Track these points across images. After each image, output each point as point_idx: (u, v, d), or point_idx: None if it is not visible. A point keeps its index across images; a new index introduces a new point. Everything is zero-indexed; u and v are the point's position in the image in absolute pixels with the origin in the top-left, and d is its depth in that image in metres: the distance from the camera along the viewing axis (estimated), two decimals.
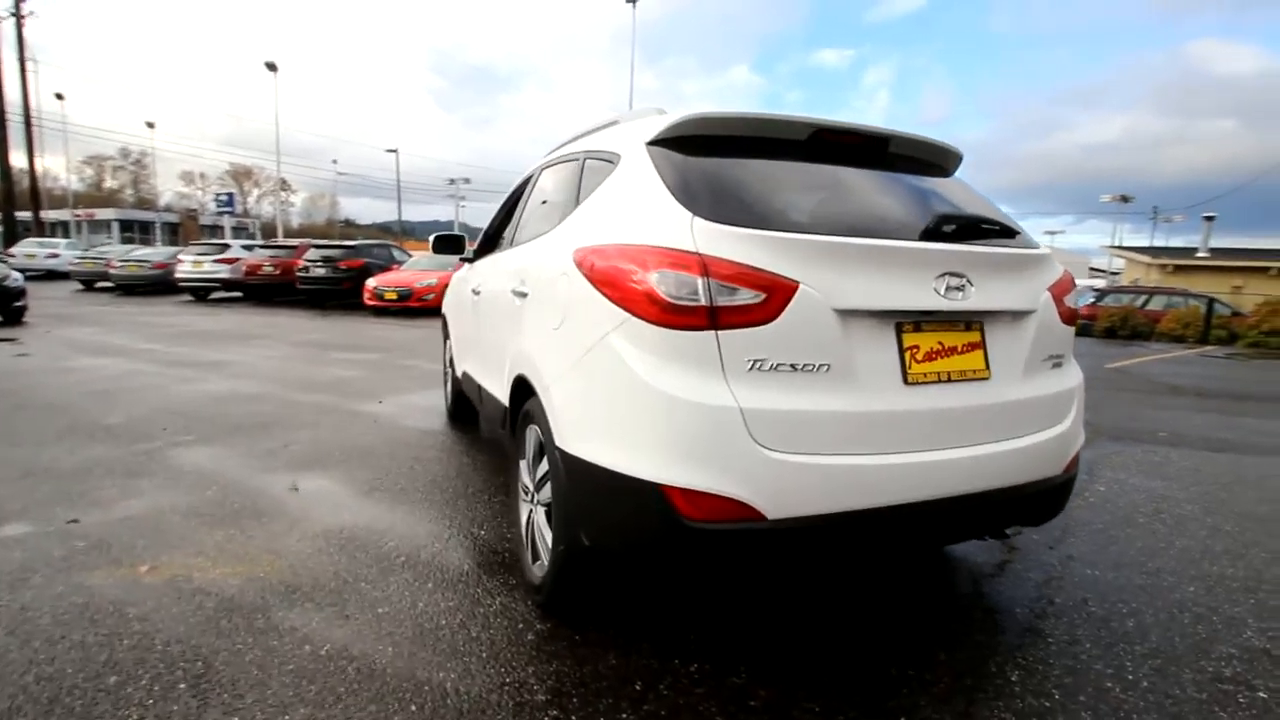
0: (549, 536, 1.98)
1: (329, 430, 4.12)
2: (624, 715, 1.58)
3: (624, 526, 1.62)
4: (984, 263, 1.73)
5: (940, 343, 1.68)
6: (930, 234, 1.70)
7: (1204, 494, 3.47)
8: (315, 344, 8.40)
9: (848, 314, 1.56)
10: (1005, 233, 1.86)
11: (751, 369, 1.51)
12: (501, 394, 2.52)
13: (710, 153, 1.82)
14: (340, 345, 8.35)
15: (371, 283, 14.05)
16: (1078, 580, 2.40)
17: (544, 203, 2.71)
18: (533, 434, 2.10)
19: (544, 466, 1.98)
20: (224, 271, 15.65)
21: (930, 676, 1.77)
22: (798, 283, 1.51)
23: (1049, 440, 1.83)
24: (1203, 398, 6.82)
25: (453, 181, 43.48)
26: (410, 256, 17.67)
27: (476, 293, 3.13)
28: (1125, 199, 39.46)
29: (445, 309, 4.48)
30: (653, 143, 1.86)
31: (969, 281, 1.68)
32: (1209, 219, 23.04)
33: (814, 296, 1.52)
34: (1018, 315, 1.82)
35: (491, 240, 3.72)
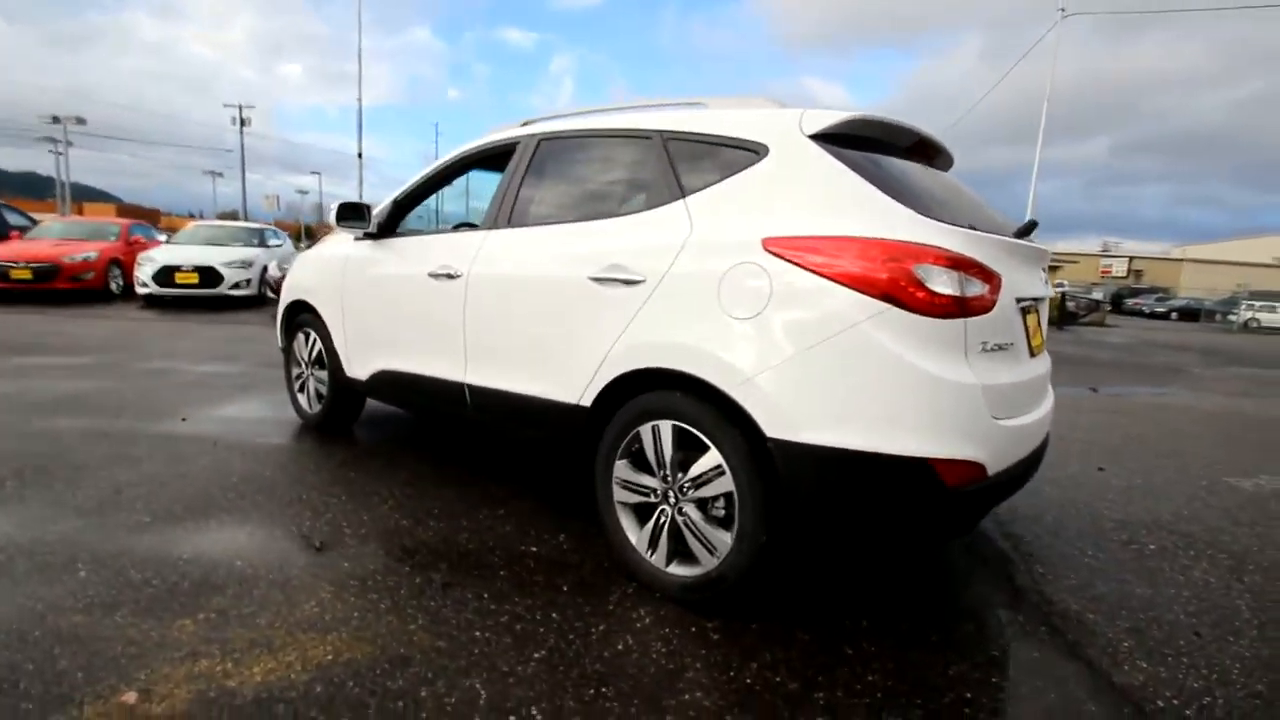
0: (708, 534, 1.92)
1: (158, 464, 3.03)
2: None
3: (876, 503, 1.71)
4: (1046, 257, 2.22)
5: (1032, 323, 2.12)
6: (1022, 233, 2.12)
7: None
8: None
9: (1017, 300, 1.88)
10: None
11: (981, 350, 1.74)
12: (566, 393, 2.26)
13: (866, 151, 1.95)
14: (8, 349, 5.91)
15: None
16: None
17: (583, 182, 2.47)
18: (667, 431, 1.99)
19: (706, 463, 1.90)
20: None
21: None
22: (1001, 275, 1.78)
23: (1051, 405, 2.39)
24: None
25: (57, 120, 31.92)
26: (35, 221, 12.99)
27: (451, 276, 2.66)
28: None
29: (307, 295, 3.60)
30: (818, 137, 1.91)
31: (1044, 271, 2.15)
32: None
33: (1008, 286, 1.81)
34: (1040, 300, 2.36)
35: (401, 215, 3.18)
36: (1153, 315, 33.25)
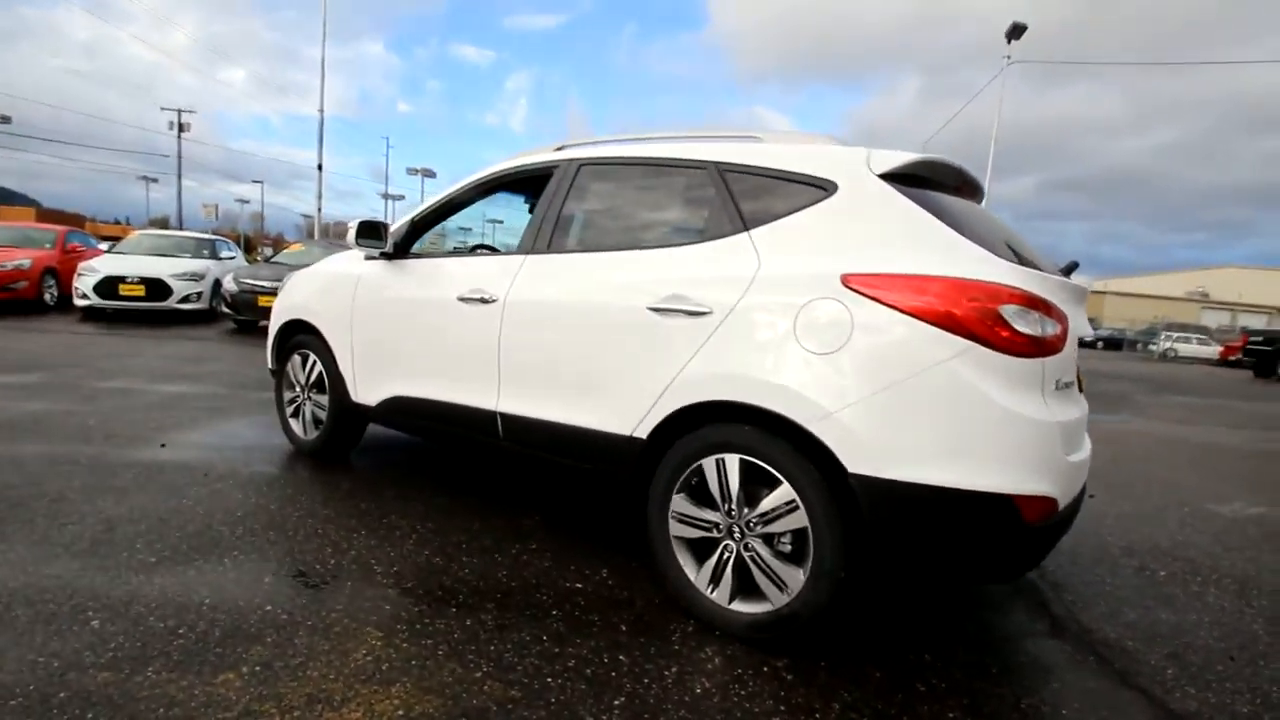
0: (779, 571, 1.90)
1: (148, 496, 2.80)
2: None
3: (957, 538, 1.72)
4: (1087, 296, 2.31)
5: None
6: (1066, 271, 2.20)
7: None
8: None
9: (1075, 339, 1.95)
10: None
11: (1054, 388, 1.79)
12: (617, 424, 2.20)
13: (925, 189, 2.00)
14: None
15: None
16: None
17: (630, 209, 2.46)
18: (734, 464, 1.96)
19: (777, 498, 1.89)
20: None
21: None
22: (1068, 315, 1.84)
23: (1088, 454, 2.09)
24: None
25: None
26: None
27: (485, 301, 2.58)
28: None
29: (307, 315, 3.42)
30: (888, 176, 1.95)
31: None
32: None
33: (1071, 327, 1.87)
34: (1083, 338, 2.37)
35: (417, 236, 3.09)
36: (1081, 344, 35.29)
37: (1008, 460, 1.69)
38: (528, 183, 3.01)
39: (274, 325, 3.71)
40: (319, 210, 17.97)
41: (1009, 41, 16.79)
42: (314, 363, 3.44)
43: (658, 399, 2.11)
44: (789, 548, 1.92)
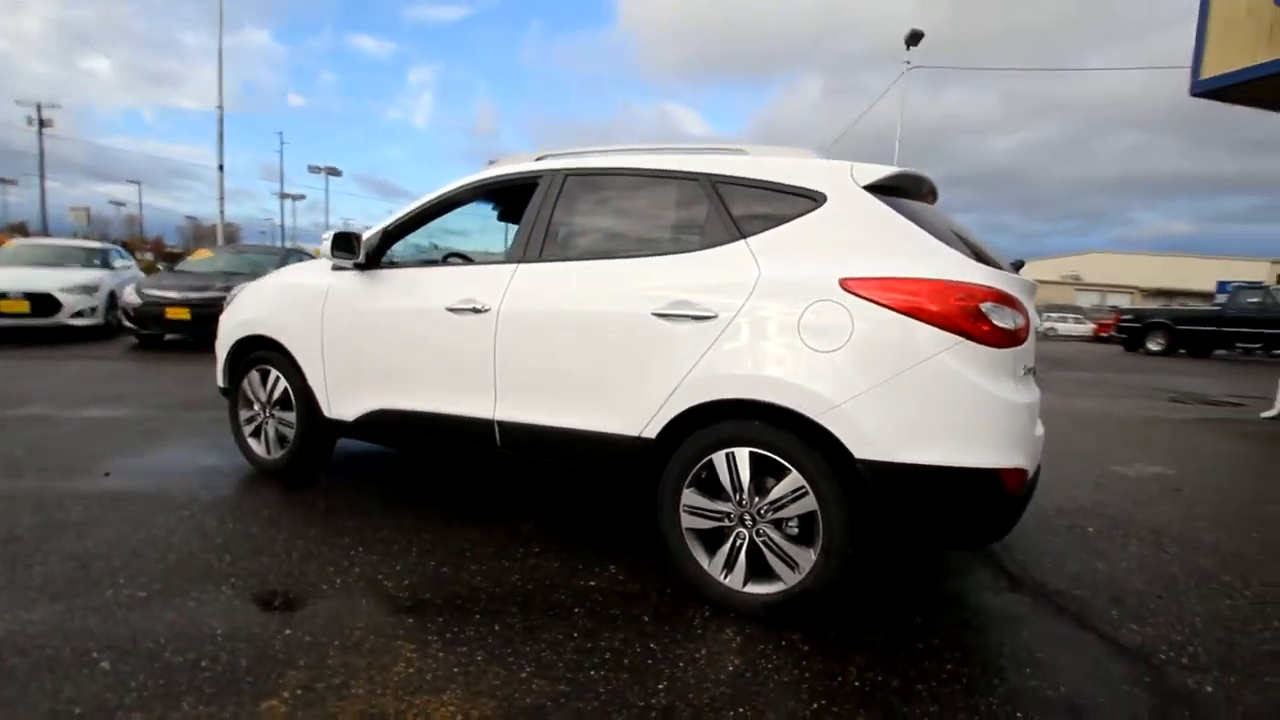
0: (791, 552, 2.06)
1: (112, 529, 2.63)
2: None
3: (952, 511, 1.93)
4: (1036, 290, 2.59)
5: None
6: (1016, 268, 2.48)
7: None
8: None
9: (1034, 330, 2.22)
10: None
11: (1021, 374, 2.04)
12: (624, 426, 2.30)
13: (900, 197, 2.21)
14: None
15: None
16: None
17: (623, 218, 2.55)
18: (744, 457, 2.10)
19: (787, 485, 2.04)
20: None
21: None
22: (1028, 310, 2.10)
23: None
24: None
25: None
26: None
27: (477, 310, 2.59)
28: None
29: (268, 330, 3.28)
30: (871, 188, 2.14)
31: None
32: None
33: (1032, 319, 2.13)
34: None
35: (388, 246, 3.05)
36: None
37: (992, 439, 1.92)
38: (504, 193, 3.04)
39: (225, 342, 3.53)
40: (221, 214, 16.71)
41: (908, 47, 17.98)
42: (276, 379, 3.31)
43: (666, 400, 2.22)
44: (796, 531, 2.08)
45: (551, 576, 2.40)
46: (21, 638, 1.86)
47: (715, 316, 2.16)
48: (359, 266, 3.02)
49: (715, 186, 2.34)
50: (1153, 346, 16.46)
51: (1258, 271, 39.33)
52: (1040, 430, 2.28)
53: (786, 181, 2.23)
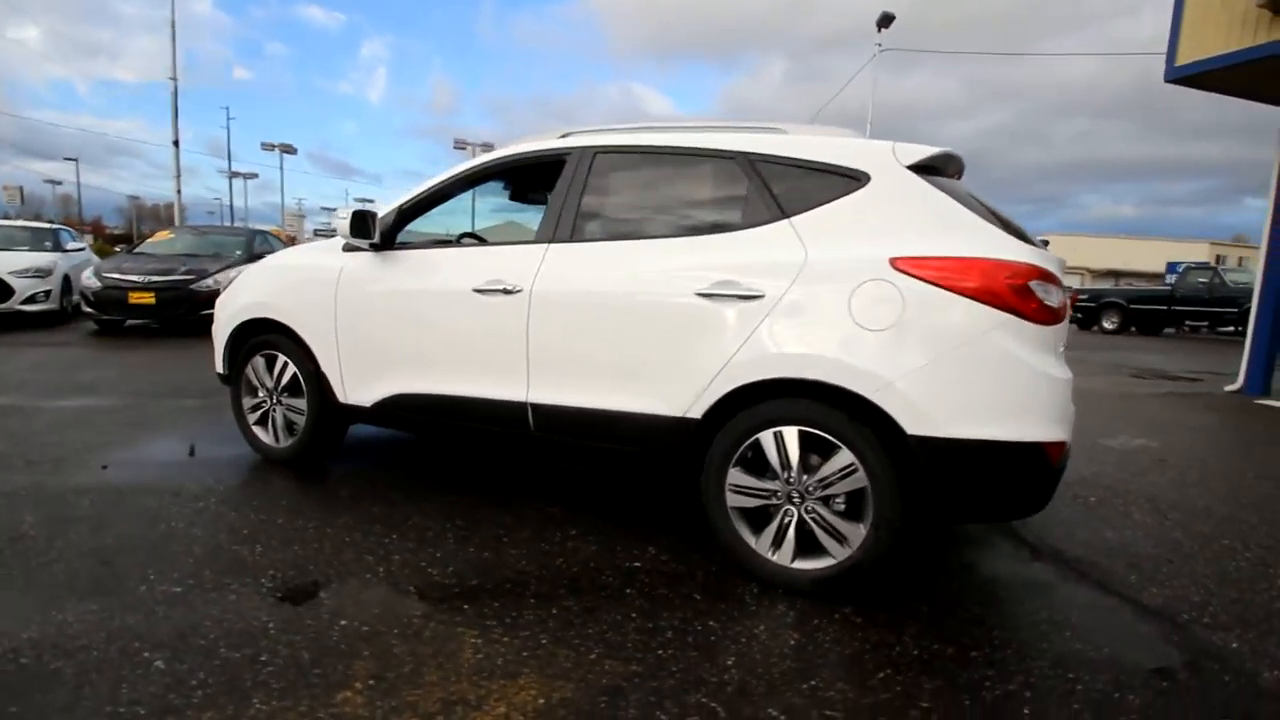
0: (841, 528, 2.10)
1: (128, 524, 2.52)
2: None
3: (1000, 483, 1.99)
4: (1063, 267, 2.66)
5: None
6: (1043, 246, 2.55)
7: None
8: None
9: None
10: None
11: (1059, 351, 2.10)
12: (669, 407, 2.29)
13: (939, 176, 2.24)
14: None
15: None
16: None
17: (658, 197, 2.52)
18: (792, 435, 2.12)
19: (838, 462, 2.07)
20: None
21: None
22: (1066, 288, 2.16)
23: None
24: None
25: None
26: None
27: (507, 291, 2.54)
28: None
29: (276, 313, 3.16)
30: (915, 168, 2.16)
31: None
32: None
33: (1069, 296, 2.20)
34: None
35: (403, 225, 2.97)
36: None
37: (1038, 413, 1.98)
38: (526, 171, 2.97)
39: (225, 327, 3.39)
40: (178, 194, 15.92)
41: (879, 30, 18.12)
42: (284, 364, 3.20)
43: (712, 380, 2.22)
44: (844, 506, 2.12)
45: (594, 559, 2.39)
46: (60, 638, 1.77)
47: (763, 296, 2.16)
48: (374, 247, 2.92)
49: (754, 165, 2.33)
50: (1107, 325, 17.14)
51: (1198, 252, 41.18)
52: (1073, 406, 2.36)
53: (829, 161, 2.23)
